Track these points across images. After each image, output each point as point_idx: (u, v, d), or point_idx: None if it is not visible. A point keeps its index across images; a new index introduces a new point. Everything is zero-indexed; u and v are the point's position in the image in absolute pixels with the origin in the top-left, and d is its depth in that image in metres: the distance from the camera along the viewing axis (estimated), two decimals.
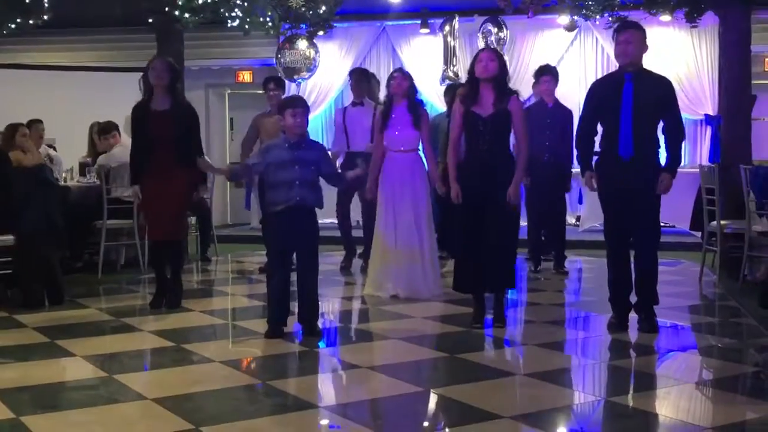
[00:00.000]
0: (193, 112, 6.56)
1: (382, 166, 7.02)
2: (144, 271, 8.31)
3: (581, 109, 5.88)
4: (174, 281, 6.64)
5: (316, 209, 5.52)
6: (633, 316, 5.72)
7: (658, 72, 5.73)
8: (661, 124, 5.59)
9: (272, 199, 5.45)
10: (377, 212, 7.09)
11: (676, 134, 5.62)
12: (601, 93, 5.69)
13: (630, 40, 5.51)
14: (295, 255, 5.57)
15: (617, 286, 5.70)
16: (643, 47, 5.57)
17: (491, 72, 5.70)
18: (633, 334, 5.62)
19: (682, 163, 5.89)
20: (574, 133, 5.97)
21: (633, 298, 5.72)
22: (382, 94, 9.45)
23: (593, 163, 5.75)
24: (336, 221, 8.67)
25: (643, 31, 5.62)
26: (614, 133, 5.49)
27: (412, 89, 7.00)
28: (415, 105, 6.98)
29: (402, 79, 6.96)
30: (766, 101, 11.49)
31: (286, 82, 11.65)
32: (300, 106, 5.47)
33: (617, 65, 5.77)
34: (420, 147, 7.07)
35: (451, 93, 8.35)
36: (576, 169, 6.27)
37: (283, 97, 7.35)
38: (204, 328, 6.01)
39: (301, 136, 5.51)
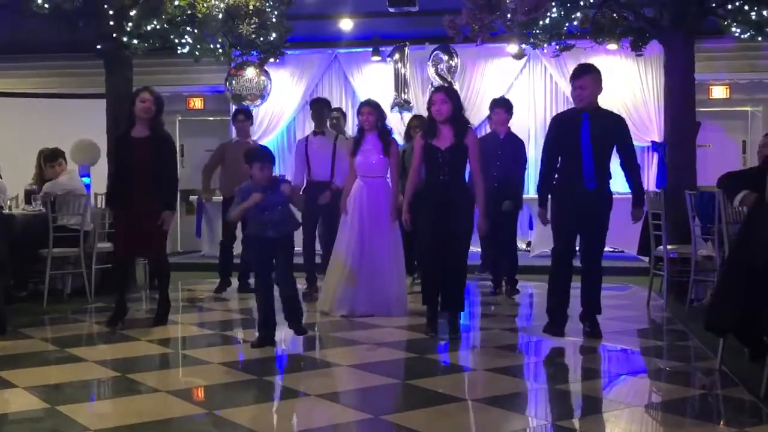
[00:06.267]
0: (171, 143, 6.96)
1: (351, 190, 7.30)
2: (90, 300, 8.16)
3: (543, 146, 6.36)
4: (162, 299, 7.02)
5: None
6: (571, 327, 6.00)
7: (606, 97, 6.19)
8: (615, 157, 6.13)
9: (250, 231, 6.03)
10: (339, 233, 7.33)
11: (633, 166, 6.19)
12: (560, 130, 6.13)
13: (585, 86, 6.00)
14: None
15: (559, 300, 6.18)
16: (597, 89, 6.05)
17: (444, 115, 6.19)
18: (579, 357, 5.66)
19: (629, 189, 6.23)
20: (538, 169, 6.40)
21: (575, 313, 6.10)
22: (346, 123, 9.77)
23: (553, 190, 6.23)
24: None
25: (597, 73, 6.05)
26: (577, 168, 5.97)
27: (381, 119, 7.34)
28: (385, 134, 7.31)
29: (369, 114, 7.26)
30: (710, 128, 11.74)
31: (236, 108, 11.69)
32: (267, 160, 5.96)
33: (569, 97, 6.08)
34: (388, 174, 7.38)
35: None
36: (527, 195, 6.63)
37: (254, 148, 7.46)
38: (151, 357, 5.90)
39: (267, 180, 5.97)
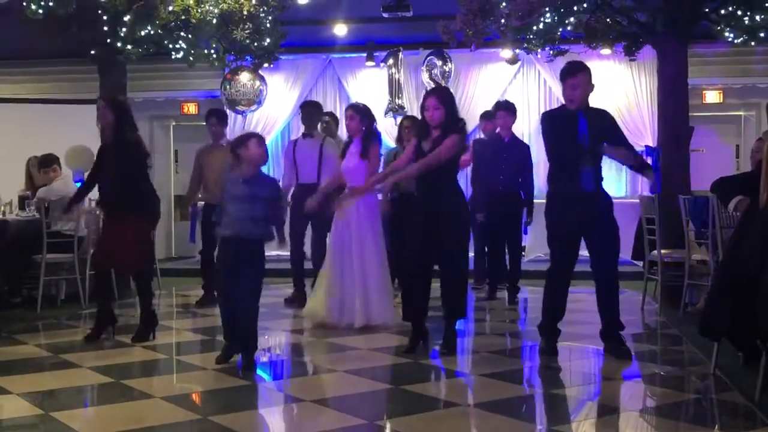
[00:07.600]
0: (132, 150, 6.47)
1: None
2: (85, 305, 8.15)
3: (548, 144, 5.86)
4: (143, 313, 6.55)
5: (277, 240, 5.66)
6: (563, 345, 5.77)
7: (600, 102, 5.99)
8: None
9: (223, 223, 5.53)
10: (327, 243, 7.19)
11: (628, 145, 5.97)
12: (557, 127, 5.79)
13: (578, 84, 5.69)
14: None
15: (554, 314, 5.83)
16: (589, 87, 5.75)
17: (436, 121, 5.95)
18: (573, 362, 5.66)
19: (623, 194, 6.04)
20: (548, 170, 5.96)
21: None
22: (338, 128, 9.67)
23: (551, 197, 5.85)
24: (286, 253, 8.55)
25: (589, 71, 5.77)
26: (577, 171, 5.64)
27: (366, 122, 7.10)
28: (368, 137, 7.08)
29: (350, 118, 7.11)
30: (703, 133, 11.76)
31: (233, 114, 11.68)
32: (262, 137, 5.63)
33: (563, 102, 5.90)
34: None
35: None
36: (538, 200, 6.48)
37: (242, 133, 7.12)
38: (145, 363, 5.89)
39: (257, 169, 5.56)
